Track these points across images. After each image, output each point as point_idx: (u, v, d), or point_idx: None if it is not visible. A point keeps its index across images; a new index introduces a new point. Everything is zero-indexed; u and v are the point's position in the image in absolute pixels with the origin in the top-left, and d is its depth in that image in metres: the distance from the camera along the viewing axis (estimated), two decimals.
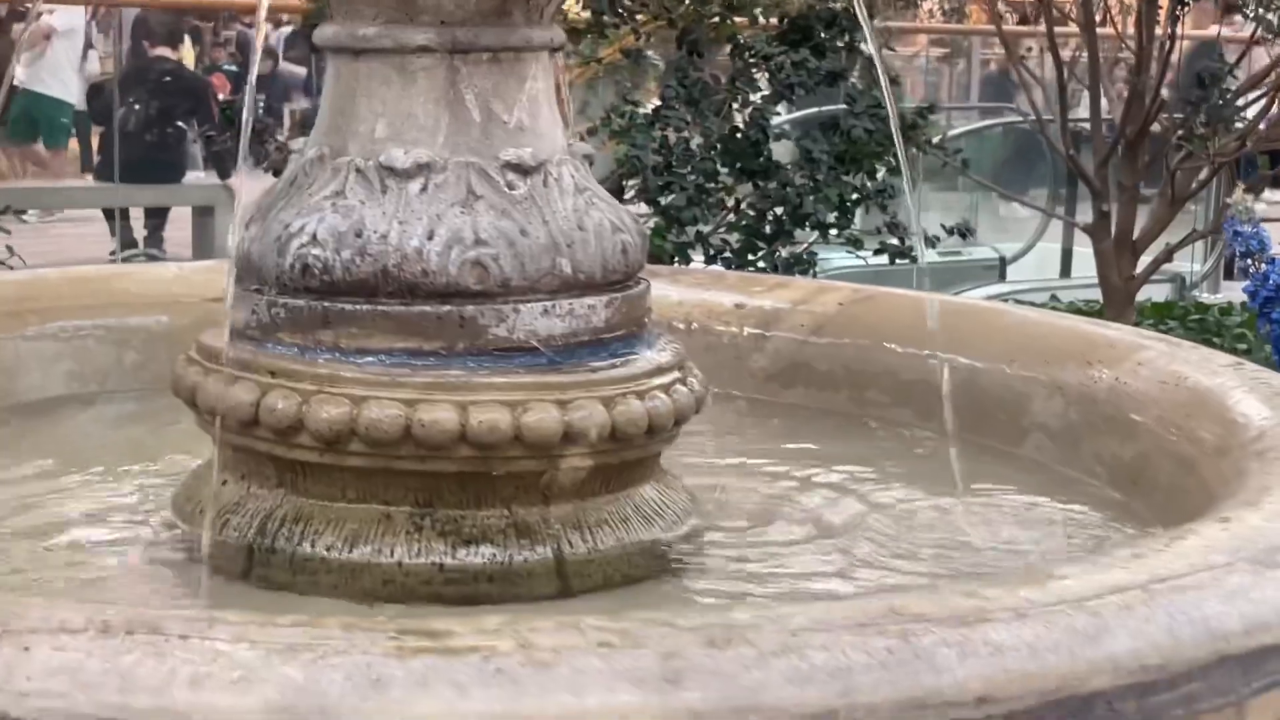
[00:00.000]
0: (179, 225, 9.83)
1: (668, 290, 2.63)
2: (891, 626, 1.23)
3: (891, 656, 1.20)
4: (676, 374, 1.92)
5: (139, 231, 10.29)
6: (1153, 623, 1.29)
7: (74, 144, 12.60)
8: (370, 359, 1.81)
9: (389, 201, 1.84)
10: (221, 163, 9.26)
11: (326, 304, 1.83)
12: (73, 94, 11.34)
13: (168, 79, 9.57)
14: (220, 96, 9.70)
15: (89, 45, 12.97)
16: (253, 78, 2.20)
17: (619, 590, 1.84)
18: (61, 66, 11.09)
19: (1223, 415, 1.95)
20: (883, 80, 2.48)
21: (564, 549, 1.83)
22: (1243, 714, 1.43)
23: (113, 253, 8.66)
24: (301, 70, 13.13)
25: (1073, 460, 2.19)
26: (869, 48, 5.24)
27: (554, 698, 1.15)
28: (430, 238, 1.82)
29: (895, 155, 5.40)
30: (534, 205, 1.86)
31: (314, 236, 1.84)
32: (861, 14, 3.42)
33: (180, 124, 9.25)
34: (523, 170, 1.87)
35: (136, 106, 9.21)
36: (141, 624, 1.19)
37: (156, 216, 10.31)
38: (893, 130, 5.24)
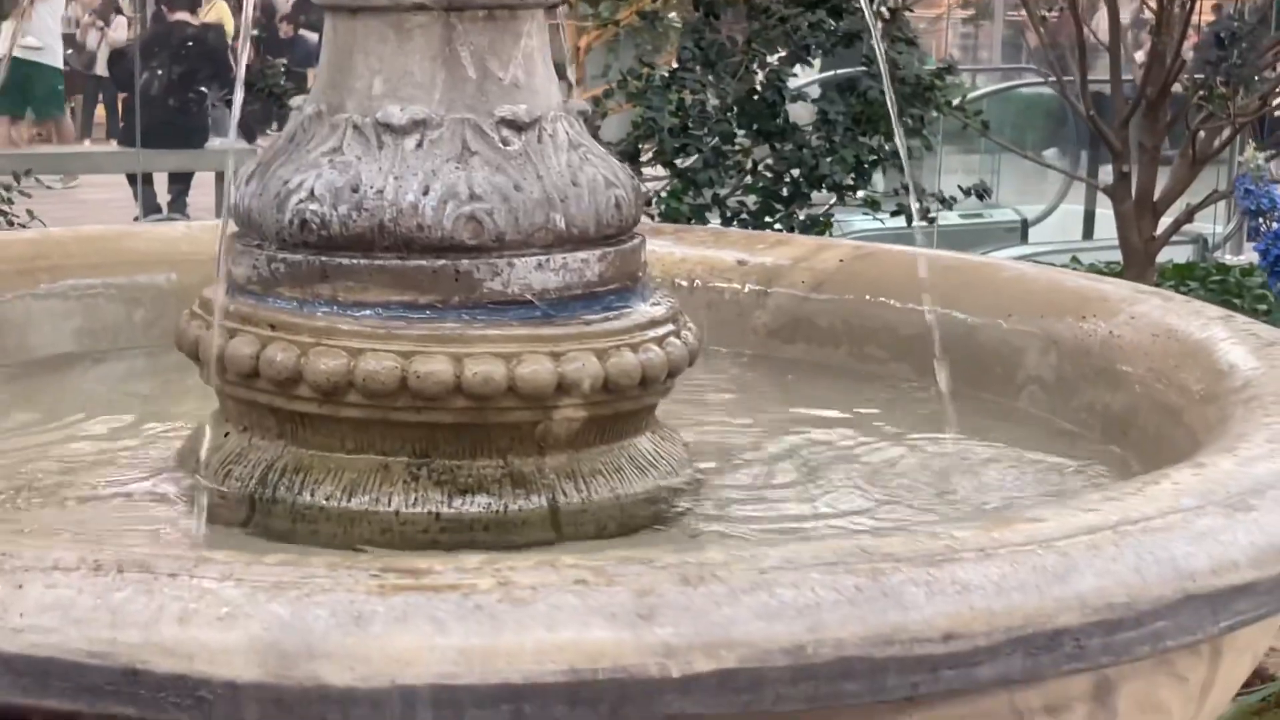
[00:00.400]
0: (204, 191, 9.89)
1: (671, 248, 2.66)
2: (861, 565, 1.26)
3: (860, 594, 1.23)
4: (670, 326, 1.95)
5: (162, 197, 10.36)
6: (1120, 562, 1.31)
7: (97, 112, 12.62)
8: (367, 312, 1.84)
9: (385, 157, 1.87)
10: (246, 127, 9.31)
11: (324, 258, 1.86)
12: (58, 59, 11.29)
13: (189, 44, 9.62)
14: None
15: (116, 10, 13.00)
16: (244, 46, 2.23)
17: (612, 539, 1.87)
18: (46, 31, 11.01)
19: (1212, 366, 1.97)
20: (878, 49, 2.49)
21: (558, 498, 1.86)
22: (1218, 650, 1.47)
23: (136, 218, 8.71)
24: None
25: (1066, 411, 2.22)
26: (883, 8, 5.23)
27: (530, 633, 1.18)
28: (426, 193, 1.84)
29: (912, 116, 5.40)
30: (528, 161, 1.89)
31: (312, 192, 1.87)
32: None
33: (203, 89, 9.30)
34: (517, 126, 1.90)
35: (160, 72, 9.26)
36: (132, 563, 1.23)
37: (180, 182, 10.38)
38: (908, 94, 5.25)
